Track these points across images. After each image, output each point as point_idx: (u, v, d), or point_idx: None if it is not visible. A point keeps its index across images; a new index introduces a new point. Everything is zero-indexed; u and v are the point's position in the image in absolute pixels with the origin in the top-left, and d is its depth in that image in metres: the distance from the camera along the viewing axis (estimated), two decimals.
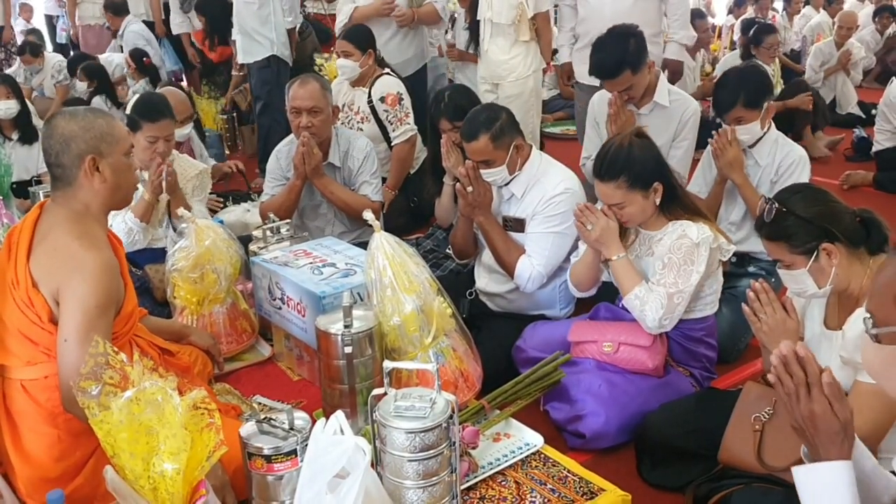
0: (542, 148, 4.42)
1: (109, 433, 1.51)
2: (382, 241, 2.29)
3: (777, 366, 1.47)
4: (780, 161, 3.06)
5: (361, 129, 4.28)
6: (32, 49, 7.41)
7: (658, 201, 2.45)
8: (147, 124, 3.23)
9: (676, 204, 2.48)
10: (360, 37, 4.35)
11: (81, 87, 6.22)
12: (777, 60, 6.09)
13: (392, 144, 4.35)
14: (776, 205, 2.01)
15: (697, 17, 6.35)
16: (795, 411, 1.47)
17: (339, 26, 4.97)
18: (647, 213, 2.47)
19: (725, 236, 2.50)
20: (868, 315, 1.35)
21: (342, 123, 4.28)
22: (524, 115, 4.37)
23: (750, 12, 9.57)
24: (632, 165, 2.41)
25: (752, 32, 6.00)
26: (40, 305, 1.96)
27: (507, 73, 4.61)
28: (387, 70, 4.57)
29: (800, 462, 1.53)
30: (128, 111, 3.45)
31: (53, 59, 7.50)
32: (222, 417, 2.14)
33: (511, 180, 2.82)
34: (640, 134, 2.51)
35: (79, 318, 1.91)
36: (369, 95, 4.32)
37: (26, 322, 1.97)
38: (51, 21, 10.60)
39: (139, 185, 3.20)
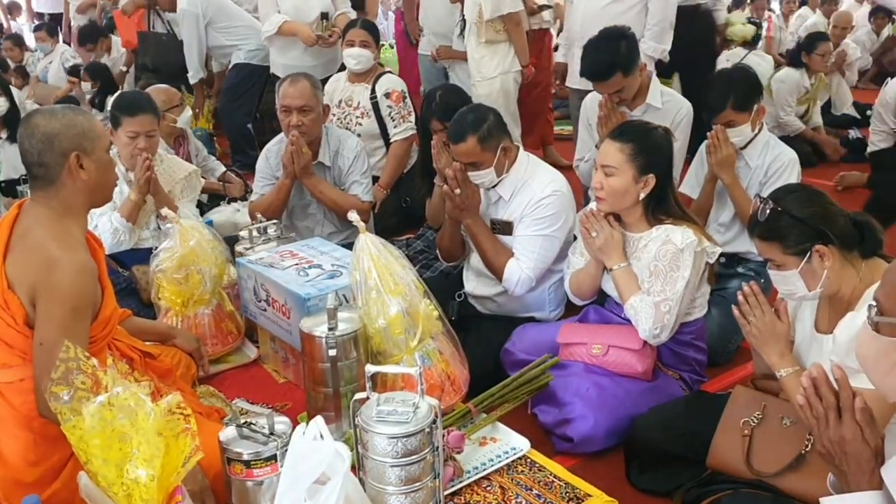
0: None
1: (82, 439, 1.48)
2: (367, 242, 2.25)
3: (807, 388, 1.42)
4: (770, 163, 3.05)
5: (360, 125, 4.27)
6: (49, 28, 7.36)
7: (642, 195, 2.44)
8: (126, 119, 3.18)
9: (662, 209, 2.47)
10: (375, 30, 4.40)
11: (85, 87, 6.19)
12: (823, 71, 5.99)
13: (391, 140, 4.33)
14: (771, 204, 1.98)
15: None
16: (824, 436, 1.42)
17: (265, 34, 5.12)
18: (628, 201, 2.46)
19: (710, 239, 2.48)
20: (874, 302, 1.31)
21: (339, 119, 4.27)
22: None
23: (746, 13, 9.55)
24: (645, 141, 2.45)
25: (804, 39, 5.95)
26: (15, 307, 1.92)
27: (476, 72, 4.70)
28: (388, 69, 4.57)
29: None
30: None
31: (64, 47, 7.47)
32: (205, 421, 2.13)
33: (499, 182, 2.79)
34: (668, 131, 2.56)
35: (55, 321, 1.88)
36: (373, 91, 4.30)
37: (1, 325, 1.93)
38: (42, 18, 10.55)
39: (125, 185, 3.21)
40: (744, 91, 3.02)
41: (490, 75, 4.66)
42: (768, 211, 1.98)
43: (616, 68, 3.19)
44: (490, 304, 2.98)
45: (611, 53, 3.22)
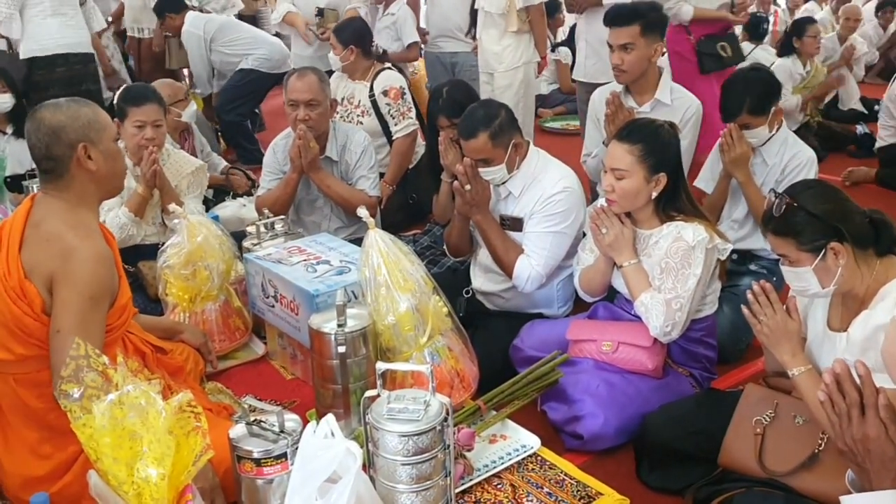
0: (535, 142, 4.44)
1: (92, 437, 1.47)
2: (377, 238, 2.24)
3: (830, 384, 1.41)
4: (788, 161, 3.02)
5: (361, 123, 4.25)
6: None
7: (654, 195, 2.42)
8: (132, 109, 3.19)
9: (674, 205, 2.45)
10: (346, 33, 4.39)
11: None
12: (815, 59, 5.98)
13: (393, 138, 4.32)
14: (786, 199, 1.96)
15: None
16: (846, 434, 1.41)
17: (272, 22, 5.51)
18: (639, 201, 2.43)
19: (722, 236, 2.46)
20: None
21: (341, 117, 4.25)
22: (514, 107, 4.39)
23: (753, 7, 9.50)
24: (654, 140, 2.41)
25: (792, 25, 5.98)
26: (32, 296, 1.92)
27: (497, 63, 4.73)
28: (388, 65, 4.54)
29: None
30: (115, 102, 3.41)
31: None
32: (214, 418, 2.12)
33: (509, 179, 2.77)
34: (673, 126, 2.54)
35: (73, 309, 1.88)
36: (371, 89, 4.29)
37: (18, 314, 1.93)
38: None
39: (132, 179, 3.19)
40: (759, 95, 2.98)
41: (514, 65, 4.70)
42: (784, 206, 1.95)
43: (637, 20, 3.21)
44: (498, 300, 2.97)
45: (639, 9, 3.26)
